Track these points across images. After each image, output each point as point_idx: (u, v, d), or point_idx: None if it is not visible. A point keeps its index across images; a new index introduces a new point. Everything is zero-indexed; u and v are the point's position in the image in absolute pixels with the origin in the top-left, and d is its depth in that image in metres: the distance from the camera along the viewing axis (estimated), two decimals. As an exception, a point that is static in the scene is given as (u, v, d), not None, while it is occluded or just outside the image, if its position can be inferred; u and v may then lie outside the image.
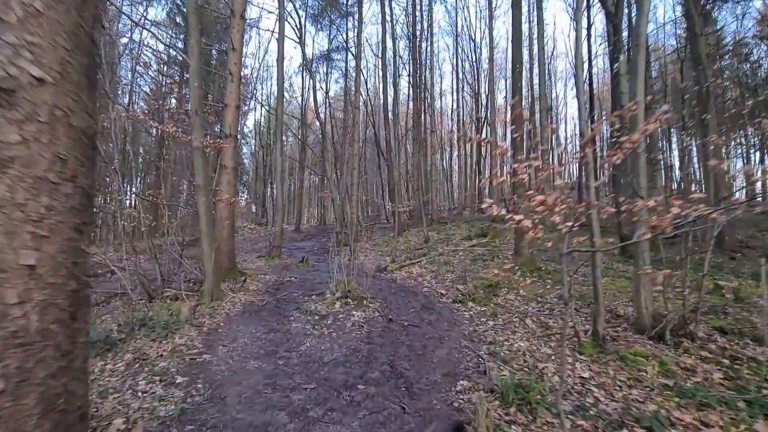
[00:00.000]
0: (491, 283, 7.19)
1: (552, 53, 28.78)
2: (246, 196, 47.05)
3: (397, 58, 21.19)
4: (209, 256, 6.13)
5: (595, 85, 21.70)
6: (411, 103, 20.72)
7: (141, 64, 12.84)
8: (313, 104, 20.02)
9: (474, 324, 5.24)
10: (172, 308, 5.42)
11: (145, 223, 6.16)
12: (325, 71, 22.14)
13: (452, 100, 36.51)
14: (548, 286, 6.78)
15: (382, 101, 19.58)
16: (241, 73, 8.72)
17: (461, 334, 4.80)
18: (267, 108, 21.49)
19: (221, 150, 8.16)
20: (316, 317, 5.42)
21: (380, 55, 16.56)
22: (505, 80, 32.96)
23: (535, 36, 17.61)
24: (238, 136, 8.31)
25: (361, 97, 17.30)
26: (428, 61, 20.22)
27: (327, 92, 21.41)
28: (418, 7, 19.50)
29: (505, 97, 27.64)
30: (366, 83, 19.47)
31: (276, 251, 11.33)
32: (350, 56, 20.16)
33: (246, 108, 37.81)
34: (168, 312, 5.25)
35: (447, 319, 5.48)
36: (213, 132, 8.38)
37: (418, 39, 20.17)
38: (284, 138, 41.68)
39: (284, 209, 11.64)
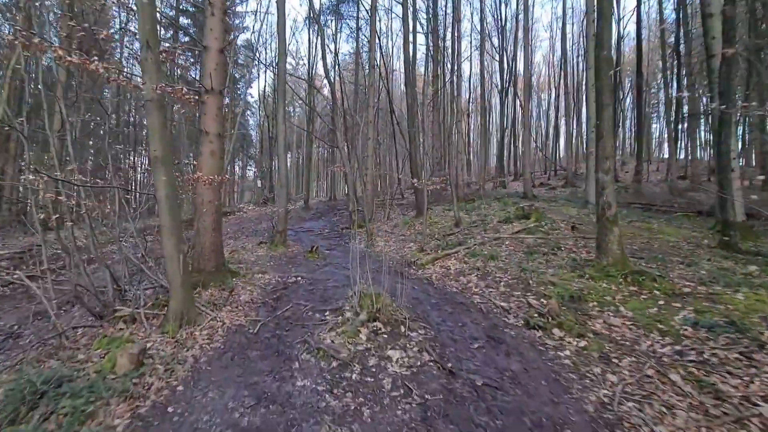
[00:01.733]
0: (570, 292, 5.12)
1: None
2: (254, 170, 45.02)
3: (417, 14, 18.29)
4: (176, 261, 4.10)
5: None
6: (432, 64, 18.00)
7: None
8: (321, 67, 17.46)
9: (587, 381, 3.19)
10: (112, 347, 3.48)
11: (67, 209, 4.11)
12: (334, 29, 19.33)
13: (470, 66, 33.14)
14: (661, 302, 4.67)
15: (402, 59, 16.91)
16: (227, 4, 6.38)
17: (583, 413, 2.76)
18: (271, 68, 18.87)
19: (201, 110, 5.99)
20: (334, 365, 3.42)
21: (401, 1, 13.79)
22: (532, 39, 29.47)
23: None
24: (225, 92, 6.10)
25: (375, 56, 14.68)
26: (452, 13, 17.30)
27: (336, 54, 18.70)
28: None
29: (530, 61, 24.48)
30: (379, 40, 16.72)
31: (280, 237, 9.34)
32: (362, 9, 17.36)
33: (249, 76, 35.15)
34: (103, 356, 3.30)
35: (538, 367, 3.44)
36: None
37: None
38: (291, 108, 38.94)
39: (288, 184, 9.49)
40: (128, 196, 5.36)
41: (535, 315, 4.52)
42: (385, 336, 4.00)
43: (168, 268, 4.15)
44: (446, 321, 4.60)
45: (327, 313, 4.74)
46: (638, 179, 17.17)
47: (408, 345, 3.82)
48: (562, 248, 7.23)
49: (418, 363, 3.46)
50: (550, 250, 7.16)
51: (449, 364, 3.40)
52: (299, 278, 6.40)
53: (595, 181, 5.80)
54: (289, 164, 50.99)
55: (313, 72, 19.99)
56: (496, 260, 7.08)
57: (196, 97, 5.41)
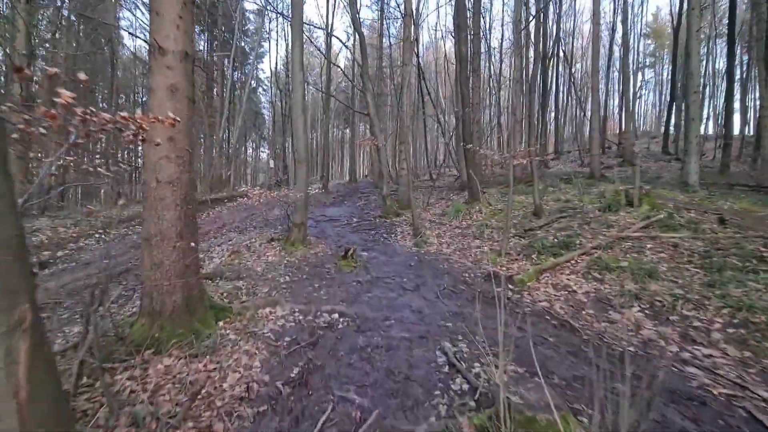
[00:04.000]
0: None
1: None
2: (267, 151, 42.17)
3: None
4: None
5: None
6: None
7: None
8: (335, 31, 13.94)
9: None
10: None
11: None
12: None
13: (501, 30, 29.37)
14: None
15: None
16: None
17: None
18: (282, 15, 15.56)
19: (152, 9, 3.09)
20: None
21: None
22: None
23: None
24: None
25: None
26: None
27: (358, 11, 15.34)
28: None
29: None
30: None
31: (298, 232, 6.53)
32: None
33: (261, 49, 31.88)
34: None
35: None
36: None
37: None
38: (306, 77, 35.67)
39: (309, 159, 6.61)
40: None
41: None
42: None
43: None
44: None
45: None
46: (727, 155, 13.73)
47: None
48: (765, 257, 4.22)
49: None
50: (753, 264, 4.15)
51: None
52: (335, 315, 3.58)
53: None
54: (303, 145, 47.81)
55: (331, 25, 16.48)
56: (658, 279, 4.14)
57: None
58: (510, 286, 4.66)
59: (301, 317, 3.54)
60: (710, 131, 26.41)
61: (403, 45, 11.01)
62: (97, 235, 8.93)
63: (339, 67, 12.65)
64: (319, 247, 6.55)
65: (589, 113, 25.53)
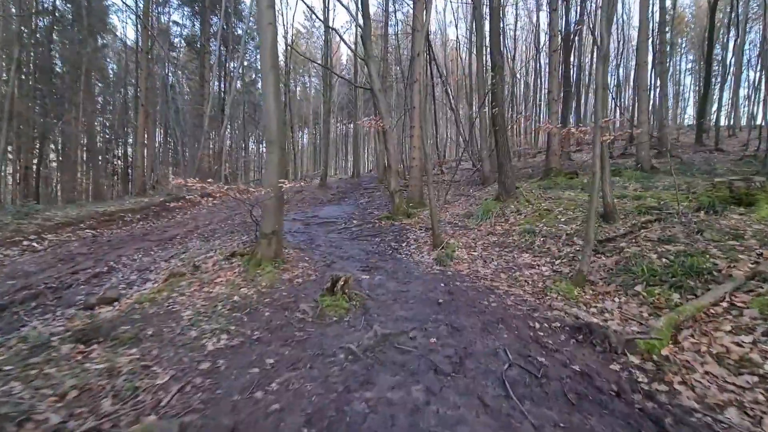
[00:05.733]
0: None
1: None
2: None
3: None
4: None
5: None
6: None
7: None
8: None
9: None
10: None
11: None
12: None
13: (515, 12, 26.91)
14: None
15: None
16: None
17: None
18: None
19: None
20: None
21: None
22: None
23: None
24: None
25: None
26: None
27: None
28: None
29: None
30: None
31: (268, 245, 4.35)
32: None
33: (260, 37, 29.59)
34: None
35: None
36: None
37: None
38: (305, 76, 33.49)
39: (281, 125, 4.38)
40: None
41: None
42: None
43: None
44: None
45: None
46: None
47: None
48: None
49: None
50: None
51: None
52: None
53: None
54: (306, 141, 45.33)
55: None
56: None
57: None
58: (632, 357, 2.46)
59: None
60: (743, 122, 23.60)
61: (414, 7, 8.75)
62: (26, 243, 6.87)
63: (337, 32, 10.30)
64: (298, 268, 4.37)
65: (610, 101, 22.95)
